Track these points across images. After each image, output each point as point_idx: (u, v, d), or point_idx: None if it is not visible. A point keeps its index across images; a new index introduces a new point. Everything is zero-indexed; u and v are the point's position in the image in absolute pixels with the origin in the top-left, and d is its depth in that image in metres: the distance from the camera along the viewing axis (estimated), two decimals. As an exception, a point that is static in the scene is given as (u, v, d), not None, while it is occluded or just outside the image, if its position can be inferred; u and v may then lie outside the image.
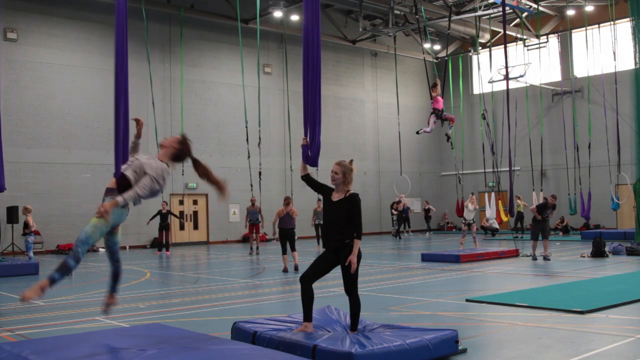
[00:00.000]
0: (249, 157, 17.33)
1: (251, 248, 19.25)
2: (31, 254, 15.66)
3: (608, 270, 12.36)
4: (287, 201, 13.40)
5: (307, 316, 5.79)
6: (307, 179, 6.10)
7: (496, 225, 24.96)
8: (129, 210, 5.27)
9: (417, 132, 15.04)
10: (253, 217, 19.18)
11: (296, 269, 12.98)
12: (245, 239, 24.37)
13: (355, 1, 24.25)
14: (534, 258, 14.81)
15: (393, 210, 27.40)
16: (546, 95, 28.64)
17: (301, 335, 5.54)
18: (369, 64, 30.76)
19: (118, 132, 5.10)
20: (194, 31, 24.70)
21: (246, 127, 17.34)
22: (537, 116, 28.04)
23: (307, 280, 5.81)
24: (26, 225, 15.56)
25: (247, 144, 17.19)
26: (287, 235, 13.14)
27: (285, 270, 13.07)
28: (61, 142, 21.75)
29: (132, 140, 5.50)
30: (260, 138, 17.74)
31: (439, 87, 13.94)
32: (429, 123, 13.90)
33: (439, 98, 13.75)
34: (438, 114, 13.64)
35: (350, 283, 5.79)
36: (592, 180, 24.94)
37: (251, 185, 17.87)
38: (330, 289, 10.32)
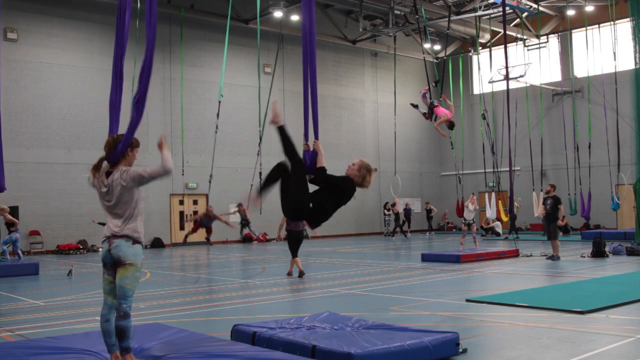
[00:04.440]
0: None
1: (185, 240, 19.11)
2: (19, 252, 15.41)
3: (608, 271, 12.36)
4: None
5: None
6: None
7: (499, 230, 24.91)
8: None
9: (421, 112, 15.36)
10: (207, 224, 18.14)
11: (301, 275, 12.07)
12: (245, 240, 24.32)
13: (355, 1, 24.25)
14: (557, 258, 14.59)
15: (385, 211, 27.44)
16: (546, 95, 28.62)
17: (301, 336, 5.55)
18: (369, 64, 30.74)
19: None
20: (194, 31, 24.69)
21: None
22: (537, 116, 28.03)
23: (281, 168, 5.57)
24: (9, 223, 14.97)
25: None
26: (296, 238, 12.32)
27: (289, 274, 12.39)
28: (61, 142, 21.74)
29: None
30: (261, 138, 17.65)
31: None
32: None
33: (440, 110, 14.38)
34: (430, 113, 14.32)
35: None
36: (592, 180, 24.93)
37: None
38: (330, 289, 10.32)
